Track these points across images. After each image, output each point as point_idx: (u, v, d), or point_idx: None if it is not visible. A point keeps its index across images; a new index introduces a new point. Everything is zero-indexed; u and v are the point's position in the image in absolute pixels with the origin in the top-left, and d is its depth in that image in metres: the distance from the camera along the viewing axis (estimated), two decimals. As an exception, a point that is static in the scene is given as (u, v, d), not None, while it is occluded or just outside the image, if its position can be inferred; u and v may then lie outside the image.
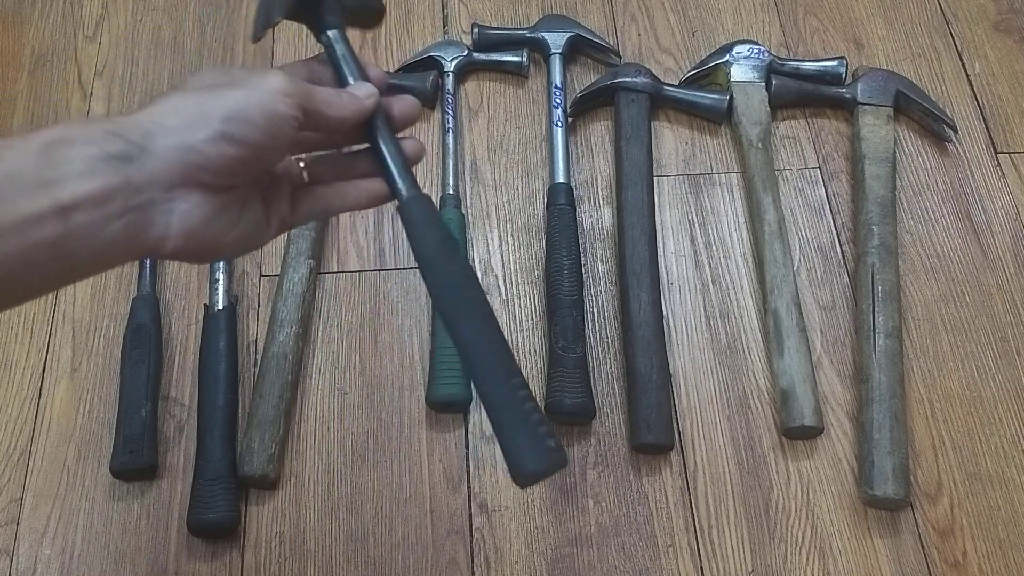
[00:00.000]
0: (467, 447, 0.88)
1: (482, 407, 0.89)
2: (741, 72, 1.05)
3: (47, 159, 0.43)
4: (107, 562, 0.82)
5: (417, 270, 0.96)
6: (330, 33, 0.60)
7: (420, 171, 1.02)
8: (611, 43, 1.09)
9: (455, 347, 0.52)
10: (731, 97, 1.04)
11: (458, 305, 0.53)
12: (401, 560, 0.83)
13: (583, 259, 0.95)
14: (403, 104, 0.58)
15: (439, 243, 0.54)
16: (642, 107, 1.02)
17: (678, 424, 0.89)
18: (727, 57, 1.06)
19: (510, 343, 0.91)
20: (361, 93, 0.56)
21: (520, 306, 0.95)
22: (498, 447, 0.87)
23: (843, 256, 0.98)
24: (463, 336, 0.52)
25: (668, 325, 0.93)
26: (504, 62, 1.08)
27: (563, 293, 0.90)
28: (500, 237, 0.99)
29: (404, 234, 0.91)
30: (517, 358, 0.91)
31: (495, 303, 0.94)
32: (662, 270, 0.96)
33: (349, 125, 0.55)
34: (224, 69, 0.54)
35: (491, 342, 0.52)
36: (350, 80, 0.57)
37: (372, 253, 0.97)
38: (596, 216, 1.00)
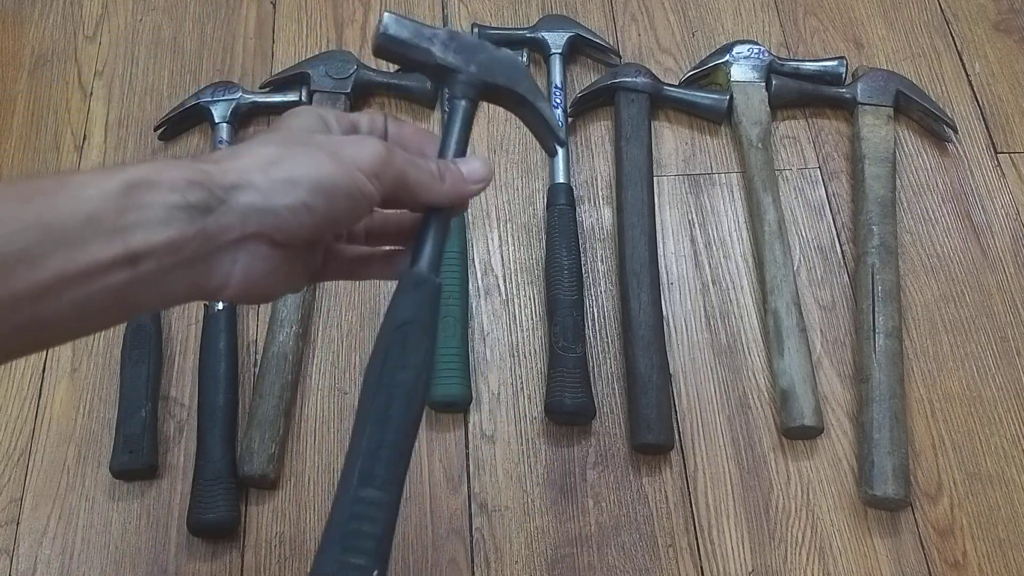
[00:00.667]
0: (467, 447, 0.88)
1: (482, 407, 0.89)
2: (741, 72, 1.05)
3: (127, 202, 0.42)
4: (107, 562, 0.82)
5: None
6: (463, 101, 0.56)
7: (420, 171, 1.02)
8: (611, 43, 1.09)
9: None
10: (731, 97, 1.04)
11: (381, 406, 0.49)
12: (401, 560, 0.83)
13: (583, 259, 0.95)
14: (472, 169, 0.54)
15: (409, 331, 0.51)
16: (642, 107, 1.02)
17: (678, 424, 0.89)
18: (727, 57, 1.06)
19: (510, 343, 0.92)
20: (468, 175, 0.53)
21: (520, 306, 0.95)
22: (498, 447, 0.87)
23: (843, 256, 0.98)
24: (359, 434, 0.49)
25: (668, 325, 0.93)
26: (504, 62, 1.08)
27: (563, 293, 0.90)
28: (500, 237, 0.99)
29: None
30: (517, 358, 0.91)
31: (495, 303, 0.95)
32: (662, 270, 0.96)
33: (436, 205, 0.52)
34: (322, 118, 0.51)
35: (378, 449, 0.48)
36: (451, 148, 0.54)
37: (372, 253, 0.97)
38: (596, 216, 1.00)
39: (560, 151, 0.98)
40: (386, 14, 0.54)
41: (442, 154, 0.55)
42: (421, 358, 0.50)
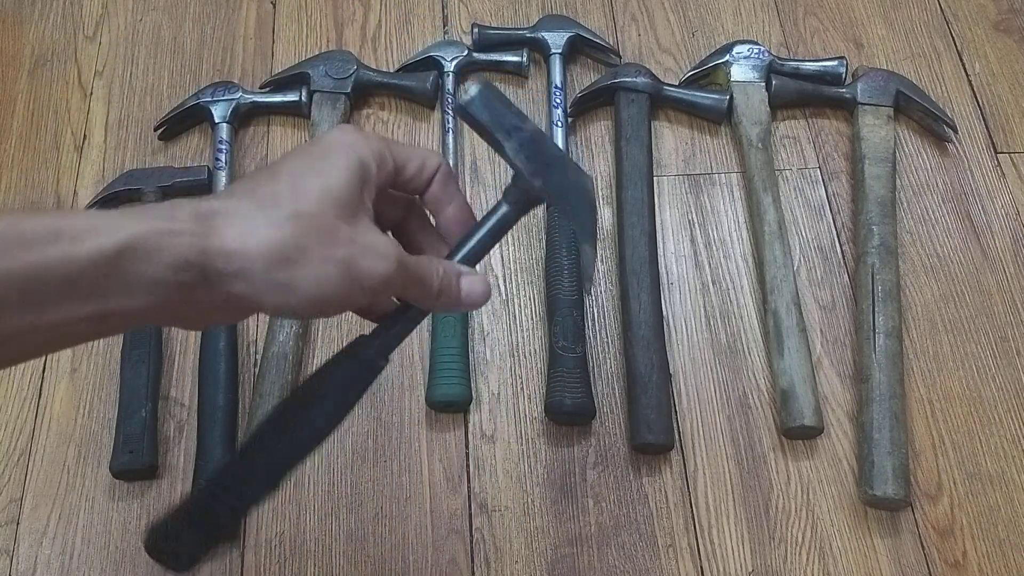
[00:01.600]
0: (467, 447, 0.88)
1: (482, 407, 0.89)
2: (741, 72, 1.05)
3: (116, 270, 0.40)
4: (107, 562, 0.82)
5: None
6: (506, 206, 0.54)
7: (420, 171, 1.02)
8: (611, 43, 1.09)
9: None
10: (731, 97, 1.04)
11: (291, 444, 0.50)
12: (401, 560, 0.83)
13: (583, 259, 0.95)
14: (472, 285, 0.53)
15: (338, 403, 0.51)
16: (642, 107, 1.02)
17: (678, 424, 0.89)
18: (727, 57, 1.06)
19: (510, 343, 0.92)
20: (466, 295, 0.52)
21: (520, 306, 0.95)
22: (498, 447, 0.87)
23: (843, 256, 0.98)
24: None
25: (668, 325, 0.93)
26: (504, 62, 1.08)
27: (563, 293, 0.90)
28: (500, 237, 0.99)
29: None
30: (517, 358, 0.91)
31: (495, 303, 0.95)
32: (662, 270, 0.96)
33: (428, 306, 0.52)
34: (364, 164, 0.48)
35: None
36: (468, 251, 0.53)
37: (372, 253, 0.97)
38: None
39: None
40: (474, 87, 0.52)
41: (457, 250, 0.53)
42: (321, 425, 0.50)
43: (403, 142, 0.55)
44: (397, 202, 0.54)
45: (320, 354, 0.91)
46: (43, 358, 0.91)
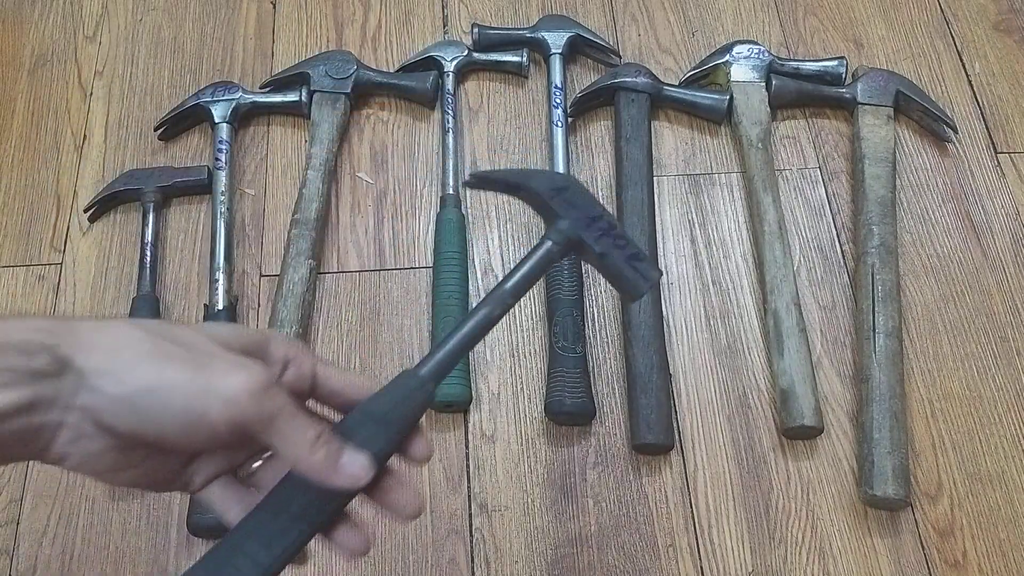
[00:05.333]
0: (467, 447, 0.88)
1: (482, 407, 0.89)
2: (741, 72, 1.05)
3: None
4: (107, 562, 0.82)
5: (417, 270, 0.96)
6: (551, 245, 0.55)
7: (421, 169, 1.02)
8: (611, 43, 1.09)
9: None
10: (731, 97, 1.04)
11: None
12: (401, 560, 0.83)
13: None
14: (400, 498, 0.48)
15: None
16: (642, 107, 1.02)
17: (678, 424, 0.89)
18: (727, 57, 1.06)
19: (510, 343, 0.92)
20: (346, 465, 0.45)
21: (520, 306, 0.95)
22: (498, 447, 0.87)
23: (843, 256, 0.98)
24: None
25: (668, 325, 0.93)
26: (504, 62, 1.08)
27: (563, 293, 0.90)
28: (500, 237, 0.99)
29: (404, 234, 0.92)
30: (517, 358, 0.91)
31: (495, 303, 0.94)
32: (662, 270, 0.96)
33: (297, 470, 0.45)
34: (225, 337, 0.45)
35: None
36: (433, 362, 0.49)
37: (372, 253, 0.97)
38: (596, 216, 1.00)
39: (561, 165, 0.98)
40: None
41: (430, 356, 0.49)
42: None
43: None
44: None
45: (320, 354, 0.91)
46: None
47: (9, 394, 0.40)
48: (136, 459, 0.44)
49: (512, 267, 0.53)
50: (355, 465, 0.45)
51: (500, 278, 0.95)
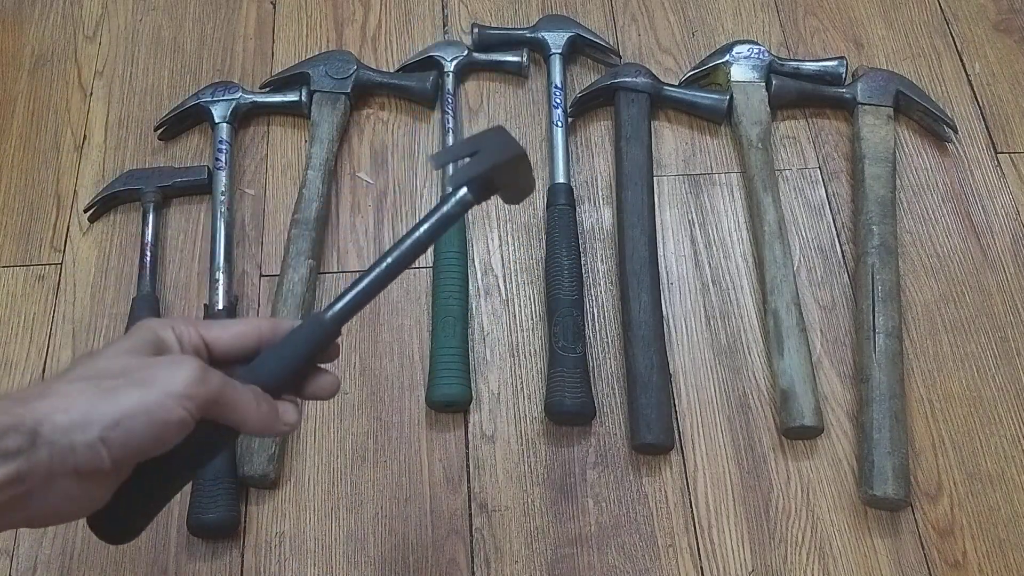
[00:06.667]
0: (467, 447, 0.88)
1: (482, 407, 0.89)
2: (741, 72, 1.05)
3: None
4: (107, 562, 0.82)
5: (417, 270, 0.96)
6: (460, 194, 0.59)
7: (421, 170, 1.02)
8: (611, 43, 1.09)
9: None
10: (731, 97, 1.04)
11: None
12: (401, 560, 0.83)
13: (583, 259, 0.95)
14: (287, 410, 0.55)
15: None
16: (642, 107, 1.02)
17: (678, 424, 0.89)
18: (727, 57, 1.06)
19: (510, 343, 0.92)
20: (283, 414, 0.54)
21: (520, 306, 0.95)
22: (498, 447, 0.87)
23: (843, 256, 0.98)
24: None
25: (668, 325, 0.93)
26: (504, 62, 1.08)
27: (563, 293, 0.90)
28: (500, 237, 0.99)
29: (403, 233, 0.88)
30: (517, 358, 0.91)
31: (495, 303, 0.95)
32: (662, 270, 0.96)
33: (249, 431, 0.52)
34: (139, 350, 0.50)
35: None
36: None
37: (372, 253, 0.97)
38: (596, 216, 1.00)
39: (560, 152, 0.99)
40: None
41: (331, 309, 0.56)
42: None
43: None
44: None
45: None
46: (44, 357, 0.91)
47: None
48: (93, 488, 0.48)
49: (425, 216, 0.58)
50: (289, 413, 0.54)
51: (500, 278, 0.96)
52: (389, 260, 0.57)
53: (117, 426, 0.46)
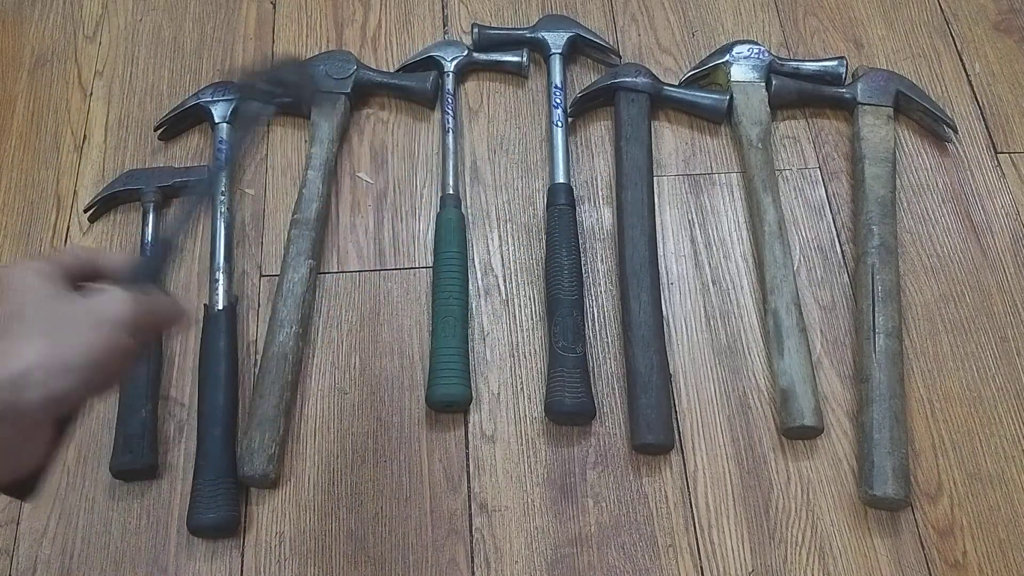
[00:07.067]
0: (467, 447, 0.88)
1: (482, 407, 0.89)
2: (741, 72, 1.05)
3: None
4: (107, 562, 0.82)
5: (417, 270, 0.96)
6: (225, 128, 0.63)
7: (421, 170, 1.02)
8: (611, 43, 1.09)
9: None
10: (731, 97, 1.04)
11: None
12: (401, 560, 0.83)
13: (583, 259, 0.95)
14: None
15: None
16: (642, 107, 1.02)
17: (678, 424, 0.89)
18: (727, 57, 1.06)
19: (510, 343, 0.92)
20: (189, 313, 0.57)
21: (520, 306, 0.95)
22: (498, 447, 0.87)
23: (843, 256, 0.98)
24: None
25: (668, 325, 0.93)
26: (504, 62, 1.08)
27: (563, 293, 0.90)
28: (500, 237, 0.99)
29: (404, 234, 0.91)
30: (517, 358, 0.91)
31: (495, 303, 0.95)
32: (662, 270, 0.96)
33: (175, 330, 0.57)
34: (47, 275, 0.50)
35: None
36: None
37: (372, 253, 0.97)
38: (596, 216, 1.00)
39: (561, 146, 0.99)
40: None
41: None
42: None
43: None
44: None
45: (320, 354, 0.91)
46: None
47: None
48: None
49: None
50: (190, 310, 0.59)
51: (500, 278, 0.96)
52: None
53: (93, 365, 0.47)
